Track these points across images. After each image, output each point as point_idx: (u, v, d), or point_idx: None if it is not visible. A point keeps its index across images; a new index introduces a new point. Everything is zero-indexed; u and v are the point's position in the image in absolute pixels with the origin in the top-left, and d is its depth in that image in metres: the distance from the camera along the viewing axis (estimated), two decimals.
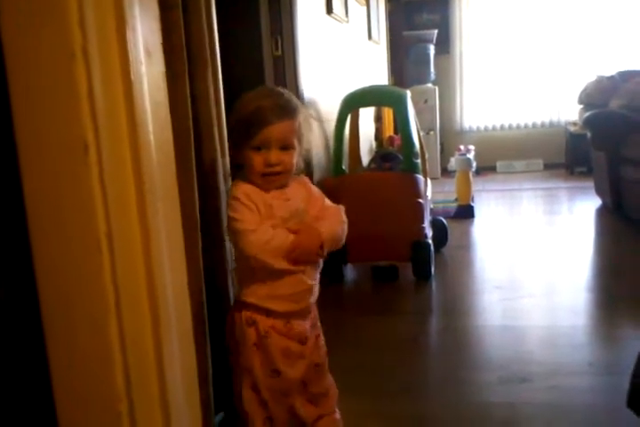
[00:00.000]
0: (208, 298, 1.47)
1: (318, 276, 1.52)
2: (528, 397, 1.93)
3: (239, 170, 1.45)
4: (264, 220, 1.40)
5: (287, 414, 1.51)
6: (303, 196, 1.49)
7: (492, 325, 2.64)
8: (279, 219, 1.41)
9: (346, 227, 1.50)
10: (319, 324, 1.56)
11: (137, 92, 0.80)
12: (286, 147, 1.40)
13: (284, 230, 1.40)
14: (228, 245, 1.60)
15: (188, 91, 1.38)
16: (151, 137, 0.83)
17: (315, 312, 1.54)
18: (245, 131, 1.38)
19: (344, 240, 1.50)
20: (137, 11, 0.82)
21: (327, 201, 1.53)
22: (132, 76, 0.80)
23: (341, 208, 1.52)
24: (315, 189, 1.53)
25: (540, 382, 2.02)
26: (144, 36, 0.84)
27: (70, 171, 0.74)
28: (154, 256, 0.81)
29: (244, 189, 1.41)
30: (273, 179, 1.42)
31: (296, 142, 1.42)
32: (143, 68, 0.83)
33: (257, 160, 1.39)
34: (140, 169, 0.79)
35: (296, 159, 1.43)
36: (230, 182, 1.66)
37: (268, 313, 1.44)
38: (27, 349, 0.82)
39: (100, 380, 0.77)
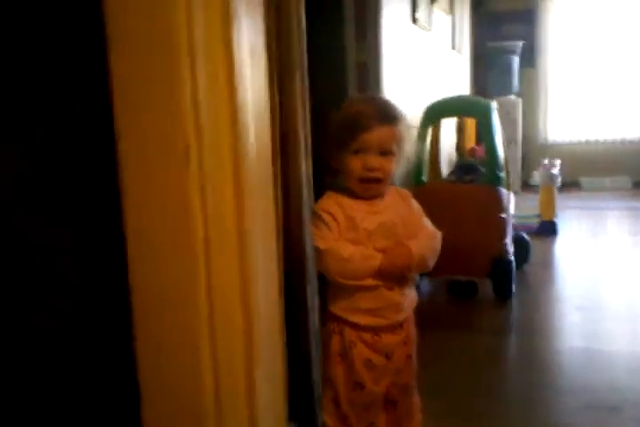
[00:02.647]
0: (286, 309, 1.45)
1: (411, 292, 1.46)
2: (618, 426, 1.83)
3: (335, 175, 1.42)
4: (344, 232, 1.36)
5: None
6: (400, 210, 1.43)
7: (574, 347, 2.52)
8: (363, 231, 1.37)
9: (436, 254, 1.43)
10: (414, 344, 1.50)
11: (241, 95, 0.78)
12: (385, 152, 1.36)
13: (369, 249, 1.35)
14: (309, 253, 1.57)
15: (278, 94, 1.35)
16: (252, 142, 0.80)
17: (410, 331, 1.48)
18: (346, 134, 1.35)
19: (431, 267, 1.44)
20: (243, 9, 0.80)
21: (426, 221, 1.47)
22: (236, 79, 0.77)
23: (438, 234, 1.45)
24: (415, 206, 1.47)
25: (631, 411, 1.91)
26: (248, 37, 0.82)
27: (170, 174, 0.72)
28: (250, 266, 0.79)
29: (324, 205, 1.38)
30: (371, 186, 1.38)
31: (395, 149, 1.37)
32: (247, 71, 0.80)
33: (355, 164, 1.35)
34: (240, 176, 0.77)
35: (394, 167, 1.39)
36: (311, 188, 1.63)
37: (353, 325, 1.40)
38: (115, 354, 0.80)
39: (189, 392, 0.75)
